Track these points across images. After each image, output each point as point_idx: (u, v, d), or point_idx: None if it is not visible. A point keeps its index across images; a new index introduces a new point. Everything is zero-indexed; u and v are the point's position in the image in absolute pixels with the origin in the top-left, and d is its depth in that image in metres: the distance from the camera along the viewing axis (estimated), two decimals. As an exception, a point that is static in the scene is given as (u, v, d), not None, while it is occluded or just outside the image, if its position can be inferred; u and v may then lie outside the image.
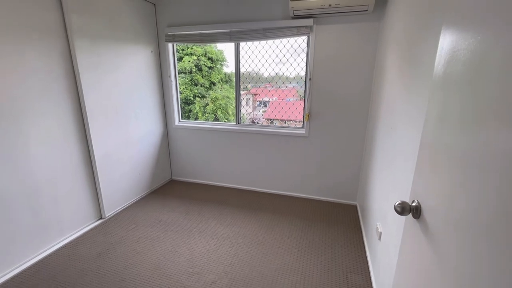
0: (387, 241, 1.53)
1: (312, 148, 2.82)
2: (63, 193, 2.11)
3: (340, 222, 2.50)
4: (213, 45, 8.13)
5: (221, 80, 8.86)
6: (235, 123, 3.07)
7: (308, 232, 2.34)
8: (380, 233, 1.67)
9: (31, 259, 1.92)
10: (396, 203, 0.82)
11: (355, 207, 2.81)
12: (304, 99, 2.72)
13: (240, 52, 2.83)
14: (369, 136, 2.38)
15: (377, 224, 1.77)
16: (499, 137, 0.48)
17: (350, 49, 2.43)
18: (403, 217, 1.24)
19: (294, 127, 2.90)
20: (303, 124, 2.82)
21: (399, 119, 1.46)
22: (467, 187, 0.57)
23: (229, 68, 9.60)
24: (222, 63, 9.04)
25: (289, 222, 2.50)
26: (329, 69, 2.53)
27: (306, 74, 2.65)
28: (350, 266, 1.92)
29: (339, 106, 2.60)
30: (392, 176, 1.50)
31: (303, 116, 2.78)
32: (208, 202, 2.88)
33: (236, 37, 2.66)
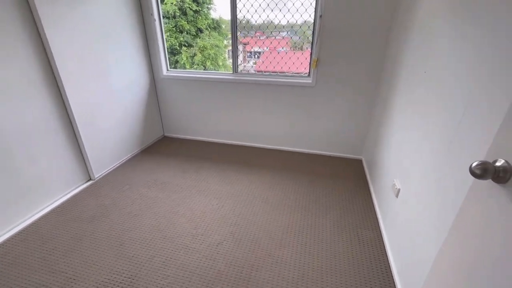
0: (408, 199, 1.41)
1: (318, 99, 2.56)
2: (41, 152, 1.84)
3: (346, 177, 2.40)
4: (198, -18, 7.12)
5: (209, 27, 8.00)
6: (231, 72, 2.72)
7: (313, 188, 2.24)
8: (398, 190, 1.55)
9: (16, 226, 1.75)
10: (474, 164, 0.63)
11: (360, 161, 2.70)
12: (312, 43, 2.36)
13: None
14: (386, 84, 2.13)
15: (394, 181, 1.64)
16: None
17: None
18: (434, 177, 1.07)
19: (299, 76, 2.58)
20: (309, 73, 2.51)
21: (443, 58, 1.20)
22: None
23: (217, 12, 8.58)
24: (209, 6, 8.05)
25: (293, 178, 2.38)
26: (342, 8, 2.13)
27: (315, 11, 2.24)
28: (359, 222, 1.86)
29: (353, 48, 2.27)
30: (425, 131, 1.30)
31: (310, 63, 2.45)
32: (206, 160, 2.69)
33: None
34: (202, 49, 7.69)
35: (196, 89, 2.87)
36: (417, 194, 1.31)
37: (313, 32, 2.33)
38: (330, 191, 2.20)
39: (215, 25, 8.05)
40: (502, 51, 0.80)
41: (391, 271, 1.48)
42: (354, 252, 1.61)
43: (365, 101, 2.46)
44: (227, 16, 2.54)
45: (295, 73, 2.61)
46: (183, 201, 2.05)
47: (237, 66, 2.69)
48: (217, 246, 1.65)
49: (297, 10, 2.36)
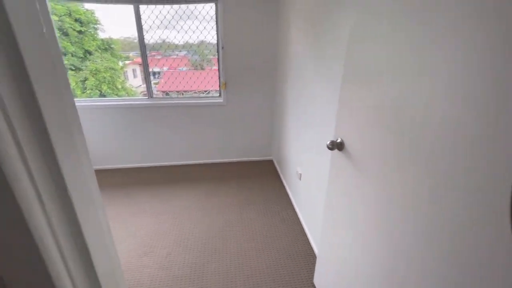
0: (306, 178, 2.00)
1: (230, 115, 3.02)
2: None
3: (263, 176, 2.92)
4: (80, 4, 6.60)
5: (99, 48, 7.42)
6: (147, 97, 2.84)
7: (239, 190, 2.64)
8: (300, 174, 2.13)
9: None
10: (328, 142, 1.16)
11: (271, 161, 3.30)
12: (219, 68, 2.81)
13: (142, 16, 2.53)
14: (279, 97, 2.78)
15: (297, 169, 2.23)
16: (392, 89, 0.80)
17: (257, 18, 2.62)
18: (321, 157, 1.66)
19: (212, 97, 2.97)
20: (220, 93, 2.93)
21: (310, 80, 1.84)
22: (372, 127, 0.92)
23: (106, 33, 8.05)
24: (96, 26, 7.49)
25: (220, 185, 2.71)
26: (240, 37, 2.67)
27: (218, 43, 2.70)
28: (279, 206, 2.37)
29: (252, 70, 2.84)
30: (304, 130, 1.91)
31: (219, 85, 2.88)
32: (134, 185, 2.68)
33: (136, -2, 2.35)
34: (95, 73, 7.05)
35: (109, 117, 2.82)
36: (310, 173, 1.89)
37: (218, 60, 2.78)
38: (253, 189, 2.66)
39: (106, 46, 7.53)
40: (334, 77, 1.42)
41: (305, 232, 2.02)
42: (279, 228, 2.08)
43: (267, 112, 3.08)
44: (117, 36, 2.62)
45: (208, 95, 2.99)
46: (120, 228, 2.05)
47: (152, 90, 2.84)
48: (166, 257, 1.80)
49: (189, 27, 2.74)
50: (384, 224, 0.89)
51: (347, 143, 1.12)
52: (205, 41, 2.79)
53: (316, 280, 1.59)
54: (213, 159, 3.23)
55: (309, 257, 1.80)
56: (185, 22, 2.67)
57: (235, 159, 3.28)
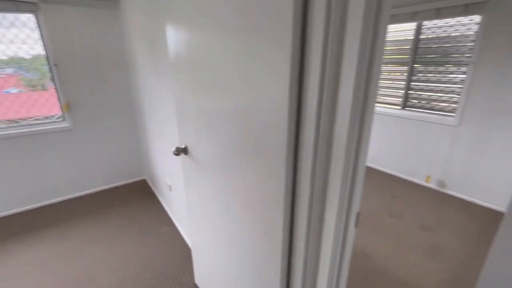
0: (174, 187, 2.07)
1: (83, 140, 2.65)
2: None
3: (137, 197, 2.75)
4: None
5: None
6: None
7: (110, 219, 2.37)
8: (170, 185, 2.18)
9: None
10: (173, 149, 1.28)
11: (144, 180, 3.14)
12: (56, 88, 2.41)
13: None
14: (138, 111, 2.70)
15: (166, 181, 2.26)
16: (207, 101, 1.02)
17: (96, 29, 2.45)
18: (173, 164, 1.78)
19: (51, 122, 2.51)
20: (63, 117, 2.52)
21: (156, 91, 1.92)
22: (200, 131, 1.12)
23: None
24: None
25: (85, 221, 2.35)
26: (79, 51, 2.41)
27: (48, 60, 2.32)
28: (157, 223, 2.31)
29: (103, 88, 2.61)
30: (164, 143, 1.98)
31: (61, 107, 2.48)
32: None
33: None
34: None
35: None
36: (176, 181, 1.98)
37: (53, 78, 2.38)
38: (125, 214, 2.46)
39: None
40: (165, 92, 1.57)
41: (184, 240, 2.09)
42: (157, 244, 2.04)
43: (130, 129, 2.91)
44: None
45: (57, 119, 2.50)
46: None
47: None
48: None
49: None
50: (220, 207, 1.10)
51: (190, 147, 1.28)
52: (41, 55, 2.30)
53: (197, 279, 1.69)
54: (71, 194, 2.73)
55: (190, 262, 1.88)
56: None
57: (100, 188, 2.90)
